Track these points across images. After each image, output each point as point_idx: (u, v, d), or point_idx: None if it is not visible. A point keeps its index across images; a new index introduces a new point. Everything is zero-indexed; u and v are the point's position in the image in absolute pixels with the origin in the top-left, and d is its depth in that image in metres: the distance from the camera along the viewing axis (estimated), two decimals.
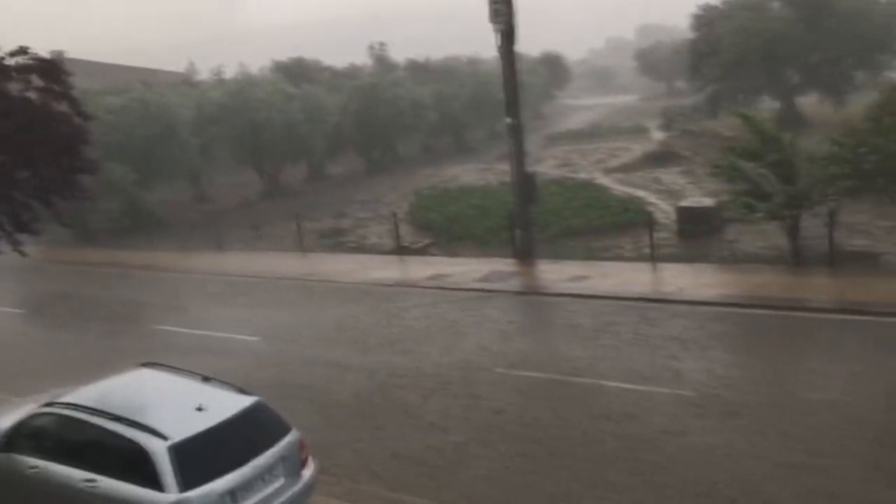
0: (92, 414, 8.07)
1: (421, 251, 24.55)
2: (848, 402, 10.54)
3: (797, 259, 18.03)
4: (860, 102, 23.06)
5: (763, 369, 12.26)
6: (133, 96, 35.80)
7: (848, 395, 10.73)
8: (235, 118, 39.36)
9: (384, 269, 21.94)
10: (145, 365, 9.44)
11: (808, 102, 43.42)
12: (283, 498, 8.03)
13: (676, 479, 9.11)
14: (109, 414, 7.95)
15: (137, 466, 7.52)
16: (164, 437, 7.53)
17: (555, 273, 19.48)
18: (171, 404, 8.30)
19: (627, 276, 18.23)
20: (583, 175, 35.69)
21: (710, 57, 42.78)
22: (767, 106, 41.75)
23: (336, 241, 27.60)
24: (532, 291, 18.53)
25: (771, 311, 14.82)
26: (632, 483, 9.12)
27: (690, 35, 47.30)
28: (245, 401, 8.37)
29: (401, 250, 24.18)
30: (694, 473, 9.18)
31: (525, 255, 21.15)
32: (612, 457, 9.76)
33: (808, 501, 8.44)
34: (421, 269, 21.45)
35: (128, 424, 7.78)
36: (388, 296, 19.10)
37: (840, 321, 13.89)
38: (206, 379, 8.87)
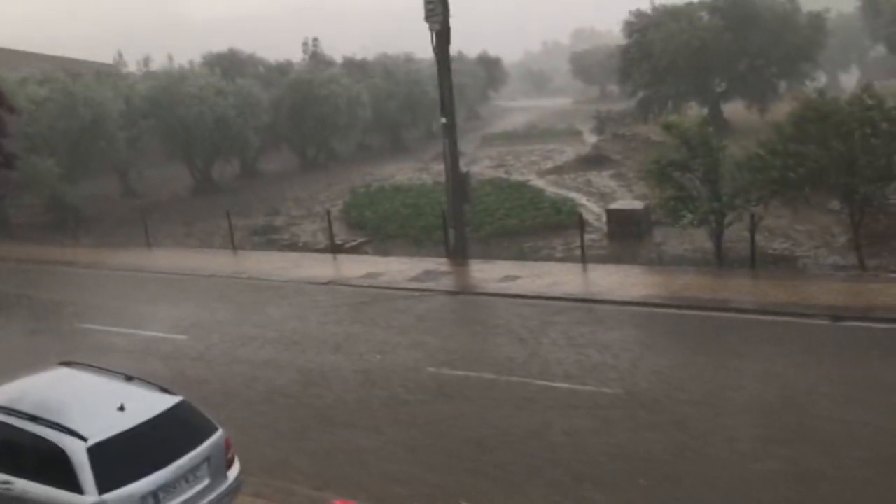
0: (8, 414, 7.79)
1: (355, 250, 24.48)
2: (763, 397, 10.93)
3: (721, 262, 18.62)
4: (781, 110, 23.99)
5: (685, 367, 12.59)
6: (57, 87, 34.61)
7: (764, 392, 11.13)
8: (165, 112, 38.50)
9: (317, 268, 21.78)
10: (65, 364, 9.17)
11: (734, 109, 44.80)
12: (209, 499, 7.90)
13: (583, 471, 9.33)
14: (26, 414, 7.69)
15: (55, 468, 7.30)
16: (82, 438, 7.33)
17: (487, 273, 19.65)
18: (91, 404, 8.08)
19: (558, 277, 18.52)
20: (517, 176, 36.12)
21: (642, 62, 43.81)
22: (695, 113, 42.93)
23: (268, 239, 27.27)
24: (464, 291, 18.65)
25: (694, 312, 15.25)
26: (550, 475, 9.30)
27: (623, 41, 48.27)
28: (169, 400, 8.20)
29: (334, 248, 24.04)
30: (608, 466, 9.40)
31: (458, 254, 21.28)
32: (542, 454, 9.92)
33: (722, 491, 8.77)
34: (354, 267, 21.37)
35: (45, 425, 7.53)
36: (320, 294, 18.97)
37: (759, 321, 14.39)
38: (128, 378, 8.66)
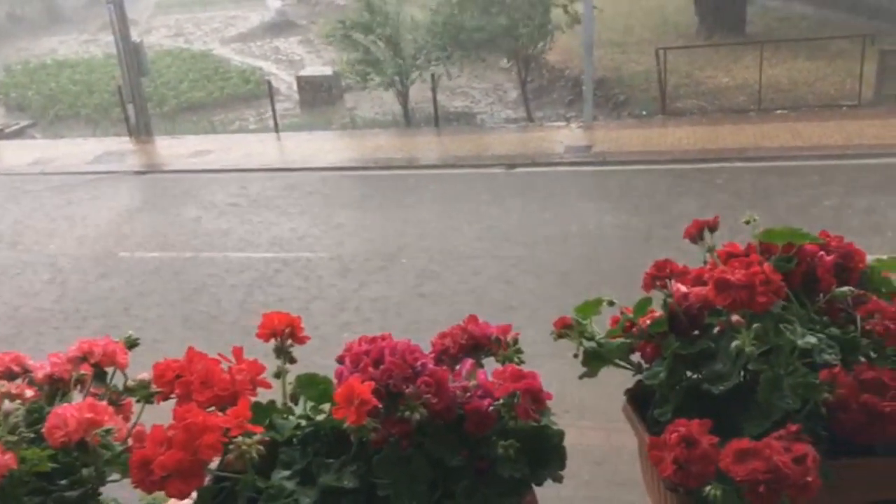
0: None
1: (17, 135, 21.87)
2: (448, 240, 11.92)
3: (409, 122, 19.48)
4: None
5: (380, 225, 13.24)
6: None
7: (447, 236, 12.11)
8: None
9: None
10: None
11: None
12: None
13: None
14: None
15: None
16: None
17: (176, 149, 18.70)
18: None
19: (251, 148, 18.16)
20: (199, 45, 34.07)
21: None
22: None
23: None
24: (152, 170, 17.64)
25: (387, 171, 15.95)
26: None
27: None
28: None
29: None
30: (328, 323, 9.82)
31: (141, 132, 19.89)
32: (231, 321, 10.02)
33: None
34: (19, 154, 19.12)
35: None
36: None
37: (444, 174, 15.45)
38: None
